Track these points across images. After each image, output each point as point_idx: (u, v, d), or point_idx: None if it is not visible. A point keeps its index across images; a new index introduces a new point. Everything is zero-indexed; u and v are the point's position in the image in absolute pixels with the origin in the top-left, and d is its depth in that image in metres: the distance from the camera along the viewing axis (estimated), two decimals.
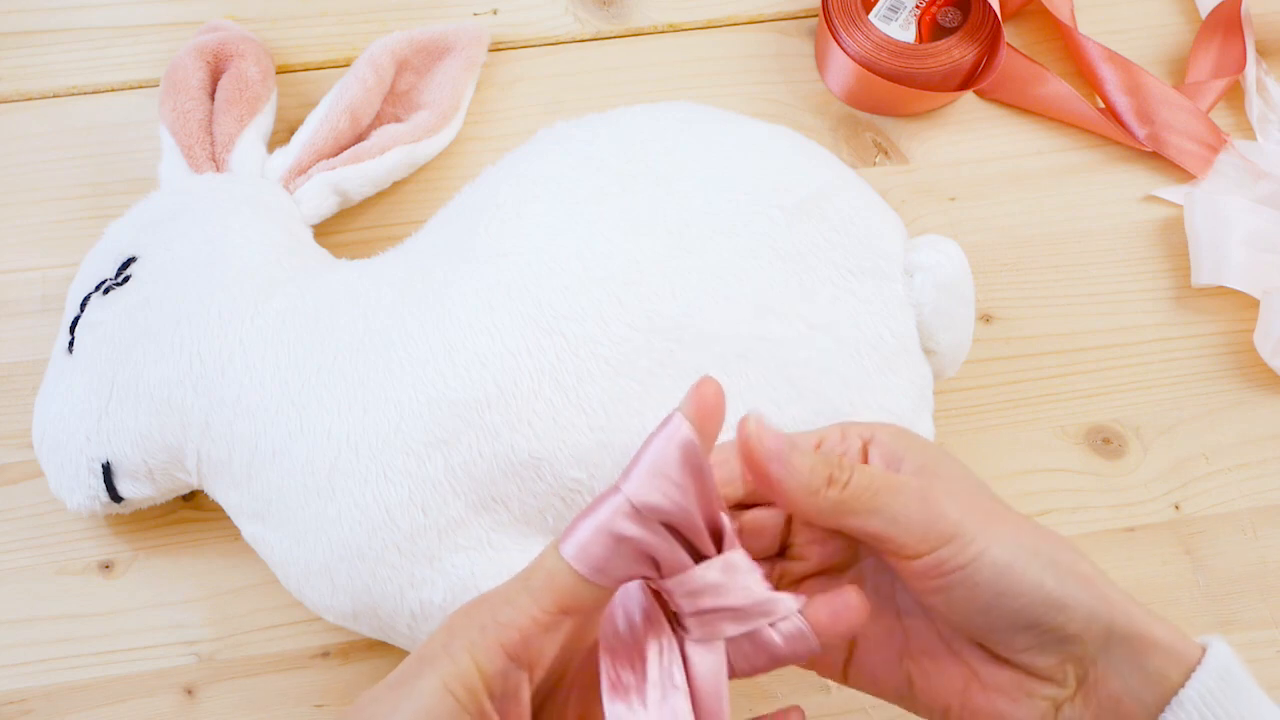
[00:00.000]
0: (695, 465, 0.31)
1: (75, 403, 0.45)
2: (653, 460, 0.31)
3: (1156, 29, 0.60)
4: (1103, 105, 0.58)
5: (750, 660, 0.33)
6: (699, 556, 0.32)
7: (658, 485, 0.30)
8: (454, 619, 0.32)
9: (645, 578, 0.32)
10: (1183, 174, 0.56)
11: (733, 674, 0.33)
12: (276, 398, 0.43)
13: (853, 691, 0.46)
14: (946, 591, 0.33)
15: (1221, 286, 0.53)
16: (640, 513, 0.30)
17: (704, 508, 0.31)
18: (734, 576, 0.32)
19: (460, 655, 0.31)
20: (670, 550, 0.31)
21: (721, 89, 0.58)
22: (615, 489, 0.31)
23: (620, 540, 0.31)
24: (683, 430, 0.31)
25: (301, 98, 0.56)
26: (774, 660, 0.33)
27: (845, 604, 0.33)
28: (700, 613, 0.32)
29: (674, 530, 0.31)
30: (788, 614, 0.32)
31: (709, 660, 0.32)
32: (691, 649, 0.32)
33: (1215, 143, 0.56)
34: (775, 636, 0.32)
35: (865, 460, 0.35)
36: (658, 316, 0.42)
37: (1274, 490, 0.50)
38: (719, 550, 0.32)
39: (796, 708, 0.35)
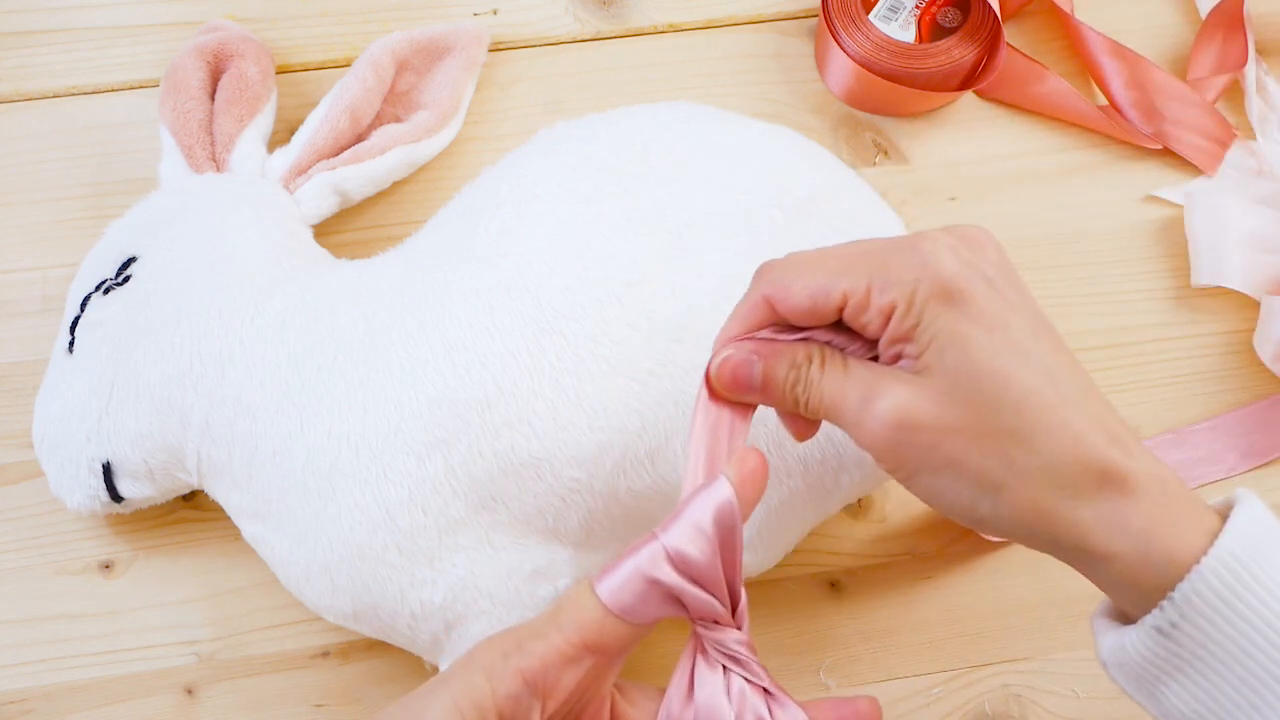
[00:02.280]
0: (729, 528, 0.32)
1: (75, 403, 0.45)
2: (693, 515, 0.32)
3: (1156, 28, 0.60)
4: (1105, 101, 0.58)
5: None
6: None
7: (693, 539, 0.32)
8: (478, 646, 0.33)
9: (676, 615, 0.33)
10: (1183, 172, 0.56)
11: None
12: (277, 397, 0.43)
13: (853, 692, 0.47)
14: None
15: (1221, 287, 0.53)
16: (674, 561, 0.32)
17: (729, 571, 0.33)
18: (749, 665, 0.34)
19: (476, 676, 0.32)
20: (699, 600, 0.32)
21: (721, 89, 0.58)
22: (653, 536, 0.32)
23: (653, 584, 0.32)
24: (724, 492, 0.33)
25: (301, 98, 0.56)
26: None
27: (855, 711, 0.35)
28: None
29: (701, 586, 0.33)
30: None
31: (713, 681, 0.34)
32: (701, 665, 0.34)
33: (1225, 138, 0.56)
34: None
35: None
36: (658, 316, 0.42)
37: (1274, 490, 0.50)
38: (734, 618, 0.34)
39: (871, 698, 0.36)
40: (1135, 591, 0.32)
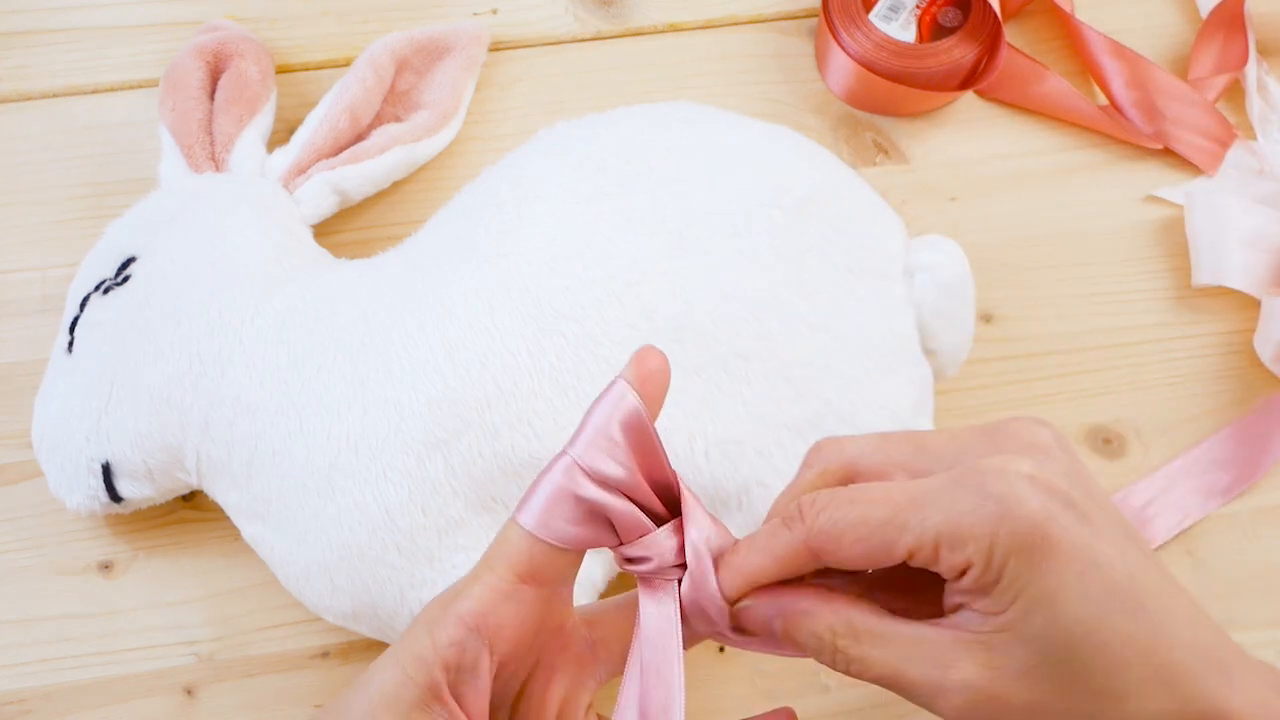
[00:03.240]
0: (640, 431, 0.31)
1: (75, 403, 0.45)
2: (598, 424, 0.31)
3: (1156, 28, 0.60)
4: (1106, 101, 0.58)
5: (699, 621, 0.32)
6: (654, 518, 0.32)
7: (604, 449, 0.31)
8: (423, 609, 0.32)
9: (604, 544, 0.32)
10: (1183, 172, 0.56)
11: (689, 636, 0.33)
12: (276, 397, 0.43)
13: (852, 692, 0.47)
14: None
15: (1222, 286, 0.53)
16: (590, 475, 0.31)
17: (654, 473, 0.31)
18: (684, 534, 0.32)
19: (417, 631, 0.31)
20: (624, 512, 0.31)
21: (721, 89, 0.58)
22: (563, 453, 0.31)
23: (575, 501, 0.31)
24: (629, 399, 0.31)
25: (301, 98, 0.56)
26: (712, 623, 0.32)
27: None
28: (650, 575, 0.32)
29: (626, 495, 0.31)
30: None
31: (658, 609, 0.32)
32: (644, 598, 0.32)
33: (1225, 137, 0.56)
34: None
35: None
36: (658, 316, 0.42)
37: (1274, 490, 0.50)
38: (671, 511, 0.32)
39: (787, 709, 0.35)
40: None
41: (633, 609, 0.34)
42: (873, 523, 0.29)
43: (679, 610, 0.32)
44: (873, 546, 0.29)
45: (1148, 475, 0.50)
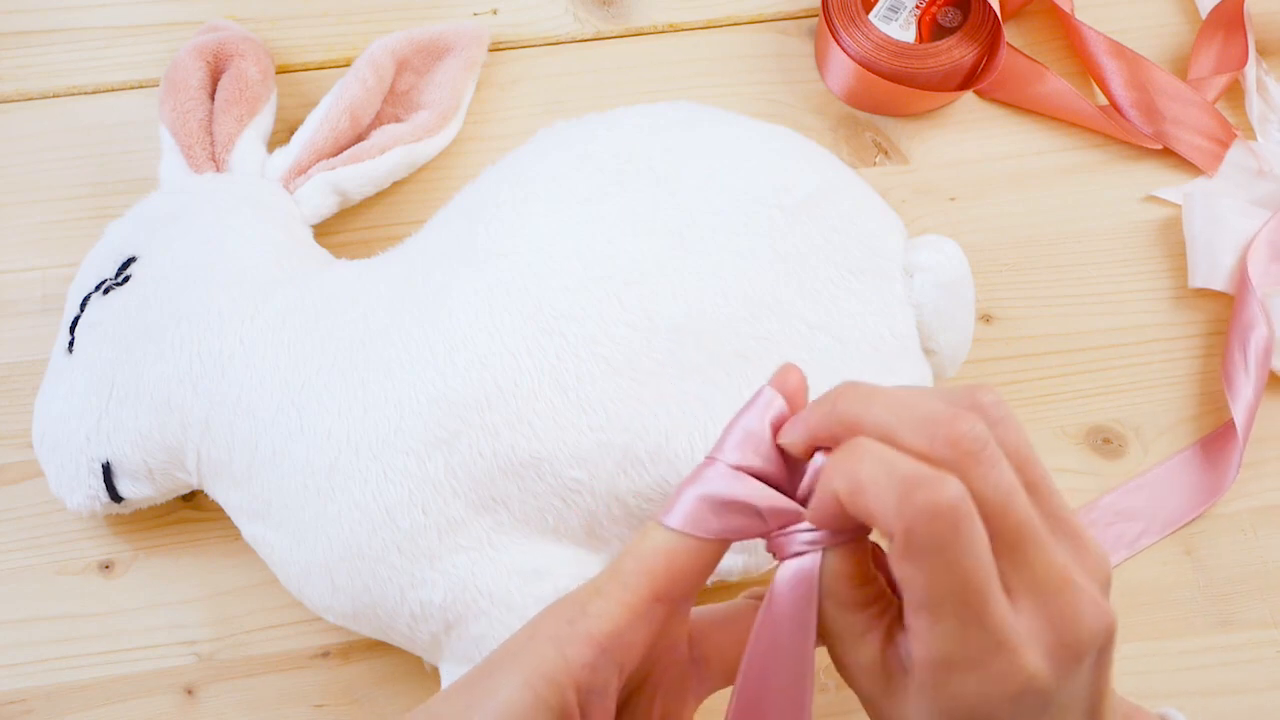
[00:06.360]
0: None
1: (75, 403, 0.45)
2: (745, 428, 0.31)
3: (1156, 29, 0.60)
4: (1105, 101, 0.58)
5: None
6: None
7: (752, 448, 0.31)
8: (538, 616, 0.31)
9: (754, 534, 0.31)
10: (1183, 173, 0.56)
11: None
12: (277, 398, 0.43)
13: (853, 692, 0.47)
14: None
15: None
16: (739, 468, 0.31)
17: (793, 480, 0.31)
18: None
19: (545, 648, 0.29)
20: (775, 503, 0.31)
21: (721, 89, 0.58)
22: (710, 460, 0.31)
23: (722, 503, 0.31)
24: (776, 402, 0.31)
25: (301, 98, 0.56)
26: None
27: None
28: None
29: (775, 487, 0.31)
30: None
31: (793, 569, 0.31)
32: (782, 573, 0.32)
33: (1225, 138, 0.56)
34: None
35: None
36: (658, 316, 0.42)
37: (1274, 490, 0.50)
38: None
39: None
40: None
41: (736, 622, 0.34)
42: (884, 477, 0.28)
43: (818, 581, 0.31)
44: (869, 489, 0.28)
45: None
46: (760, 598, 0.34)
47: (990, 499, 0.28)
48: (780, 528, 0.31)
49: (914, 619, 0.28)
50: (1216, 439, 0.51)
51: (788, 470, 0.31)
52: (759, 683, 0.32)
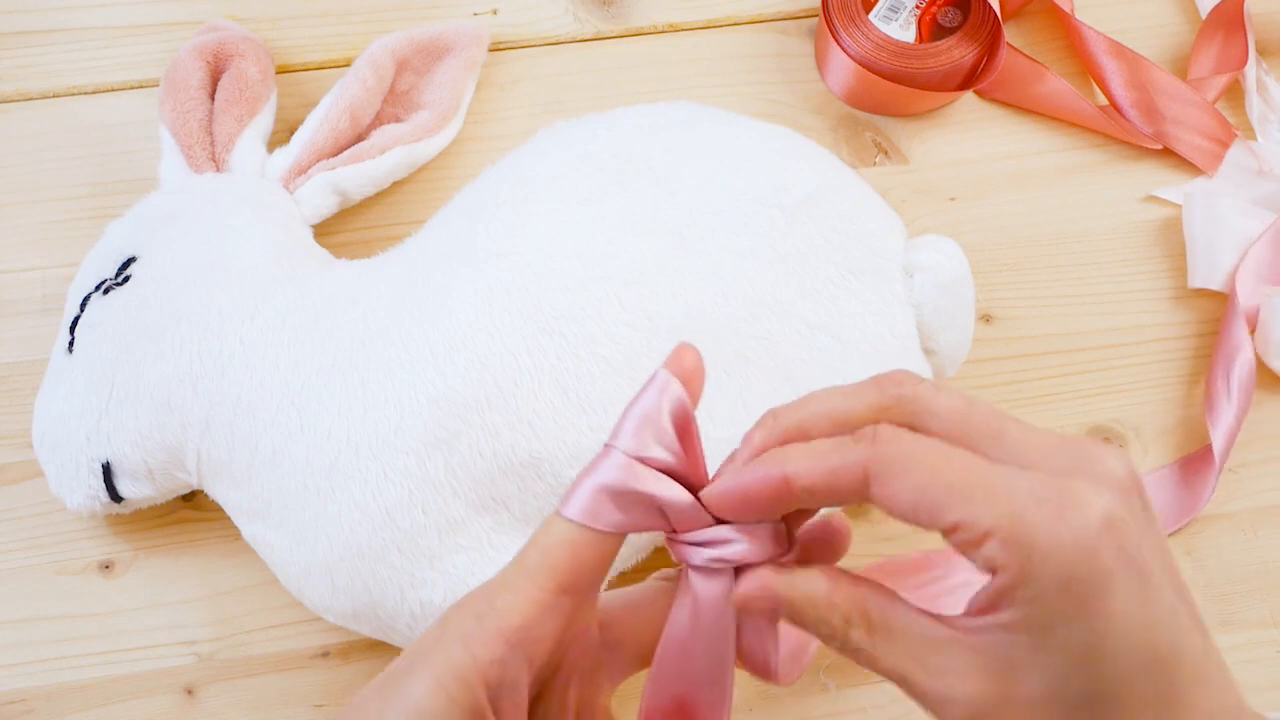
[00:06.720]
0: (685, 420, 0.30)
1: (75, 403, 0.45)
2: (641, 414, 0.30)
3: (1156, 28, 0.60)
4: (1105, 101, 0.58)
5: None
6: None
7: (650, 434, 0.30)
8: (447, 613, 0.31)
9: (656, 529, 0.31)
10: (1183, 173, 0.56)
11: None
12: (277, 398, 0.43)
13: (853, 692, 0.47)
14: None
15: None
16: (638, 460, 0.30)
17: (694, 466, 0.31)
18: (749, 530, 0.31)
19: (454, 647, 0.29)
20: (678, 500, 0.30)
21: (721, 89, 0.58)
22: (608, 449, 0.30)
23: (623, 488, 0.30)
24: (673, 385, 0.30)
25: (301, 98, 0.56)
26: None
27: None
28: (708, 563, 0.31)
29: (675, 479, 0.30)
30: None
31: (711, 586, 0.31)
32: (695, 576, 0.31)
33: (1225, 138, 0.56)
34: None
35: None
36: (658, 316, 0.42)
37: (1274, 490, 0.50)
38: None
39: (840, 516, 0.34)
40: None
41: (647, 606, 0.33)
42: (941, 481, 0.28)
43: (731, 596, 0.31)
44: (924, 500, 0.28)
45: None
46: (670, 579, 0.34)
47: (944, 413, 0.29)
48: (684, 527, 0.30)
49: (964, 543, 0.28)
50: (1194, 461, 0.50)
51: (688, 458, 0.30)
52: (677, 666, 0.31)
